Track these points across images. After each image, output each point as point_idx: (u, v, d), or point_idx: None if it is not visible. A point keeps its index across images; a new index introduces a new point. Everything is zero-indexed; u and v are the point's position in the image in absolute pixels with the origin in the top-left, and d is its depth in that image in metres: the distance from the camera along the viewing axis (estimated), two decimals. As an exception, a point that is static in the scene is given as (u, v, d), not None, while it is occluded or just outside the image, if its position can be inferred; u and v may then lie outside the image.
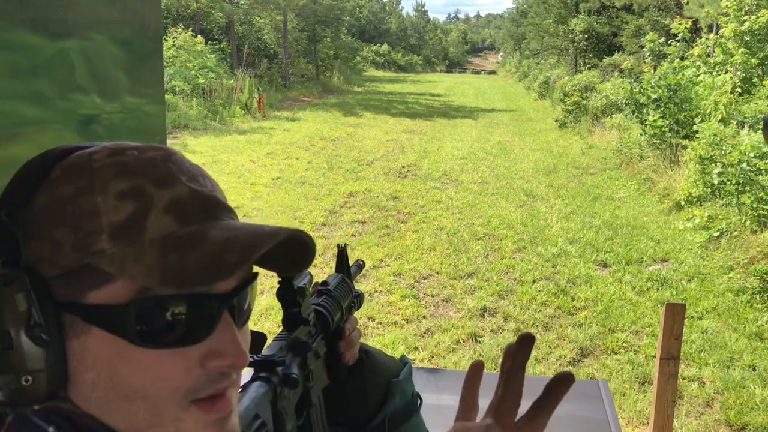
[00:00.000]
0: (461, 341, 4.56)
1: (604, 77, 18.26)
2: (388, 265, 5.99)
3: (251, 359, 0.79)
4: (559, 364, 4.28)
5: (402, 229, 7.14)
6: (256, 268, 0.64)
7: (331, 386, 1.13)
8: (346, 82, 30.31)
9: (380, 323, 4.84)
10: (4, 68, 1.30)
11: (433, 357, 4.35)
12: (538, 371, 4.16)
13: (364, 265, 1.37)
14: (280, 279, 0.92)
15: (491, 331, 4.74)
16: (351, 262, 1.27)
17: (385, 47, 50.88)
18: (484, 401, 0.73)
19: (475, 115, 19.45)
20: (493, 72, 63.21)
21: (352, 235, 6.88)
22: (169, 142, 10.93)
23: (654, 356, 3.48)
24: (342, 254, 1.22)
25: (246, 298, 0.63)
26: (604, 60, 22.25)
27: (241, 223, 0.61)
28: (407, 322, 4.84)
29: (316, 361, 0.97)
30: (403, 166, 10.55)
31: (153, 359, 0.57)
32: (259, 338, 0.84)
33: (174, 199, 0.58)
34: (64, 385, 0.58)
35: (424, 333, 4.69)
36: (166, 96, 14.12)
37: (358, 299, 1.25)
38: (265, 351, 0.85)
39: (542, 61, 33.47)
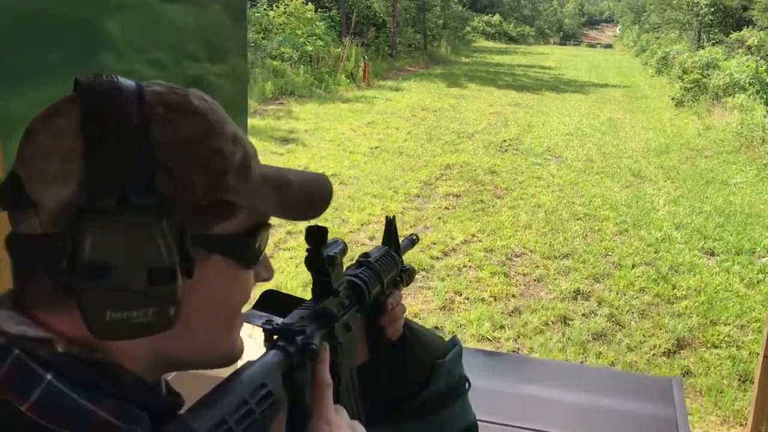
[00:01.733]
0: (550, 323, 4.43)
1: (728, 54, 17.06)
2: (480, 241, 5.89)
3: (269, 327, 0.80)
4: (653, 354, 4.08)
5: (497, 204, 7.00)
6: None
7: (371, 362, 1.10)
8: (454, 52, 29.88)
9: (467, 299, 4.77)
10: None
11: (519, 337, 4.26)
12: (630, 360, 3.98)
13: (417, 239, 1.31)
14: (308, 247, 0.89)
15: (583, 314, 4.57)
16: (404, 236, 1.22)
17: (496, 18, 49.65)
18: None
19: (586, 90, 18.72)
20: (609, 46, 60.55)
21: (446, 208, 6.81)
22: (275, 108, 11.16)
23: (758, 354, 3.24)
24: (390, 226, 1.17)
25: None
26: (731, 35, 20.77)
27: (278, 167, 0.71)
28: (495, 300, 4.75)
29: (346, 333, 0.94)
30: (505, 140, 10.31)
31: (246, 277, 0.67)
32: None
33: (251, 146, 0.68)
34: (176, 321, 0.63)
35: (512, 312, 4.58)
36: (274, 62, 14.40)
37: (406, 274, 1.19)
38: (285, 320, 0.83)
39: (662, 35, 31.69)
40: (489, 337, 4.23)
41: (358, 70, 16.68)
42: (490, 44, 42.83)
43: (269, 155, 8.37)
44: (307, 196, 0.70)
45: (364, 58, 17.41)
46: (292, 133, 9.78)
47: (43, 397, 0.58)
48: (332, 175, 7.71)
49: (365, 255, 1.08)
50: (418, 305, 4.66)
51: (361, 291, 1.01)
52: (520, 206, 6.93)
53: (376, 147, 9.35)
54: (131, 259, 0.57)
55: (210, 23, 2.05)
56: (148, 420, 0.60)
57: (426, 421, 1.15)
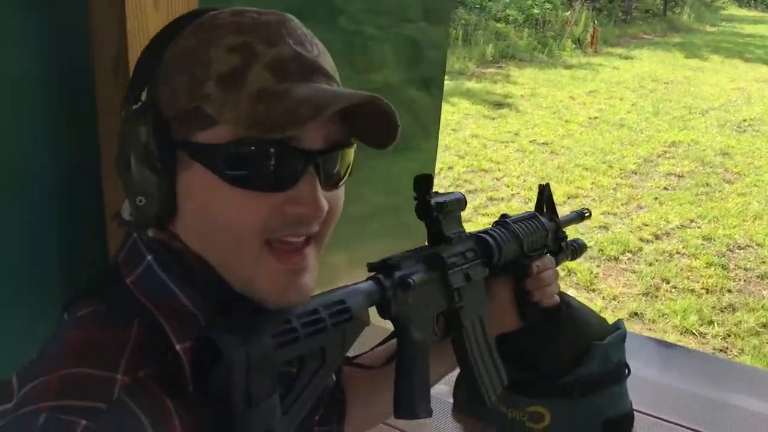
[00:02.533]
0: (769, 326, 3.96)
1: None
2: (699, 227, 5.39)
3: (371, 263, 0.84)
4: None
5: (725, 189, 6.33)
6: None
7: (523, 331, 1.08)
8: (698, 20, 27.23)
9: (675, 288, 4.42)
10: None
11: (729, 336, 3.86)
12: None
13: (589, 215, 1.24)
14: (415, 195, 0.91)
15: (812, 323, 4.02)
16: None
17: (753, -18, 44.37)
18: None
19: None
20: None
21: (664, 188, 6.30)
22: (493, 71, 11.04)
23: None
24: (542, 193, 1.15)
25: (335, 162, 0.69)
26: None
27: (327, 87, 0.65)
28: (707, 293, 4.34)
29: (466, 282, 0.94)
30: (744, 120, 9.25)
31: (240, 197, 0.63)
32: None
33: (276, 58, 0.64)
34: (173, 215, 0.66)
35: (725, 308, 4.16)
36: (498, 24, 14.17)
37: (571, 246, 1.15)
38: (391, 257, 0.86)
39: None
40: (694, 331, 3.89)
41: (585, 36, 15.87)
42: (743, 12, 38.36)
43: (480, 119, 8.32)
44: (288, 111, 0.60)
45: (594, 23, 16.51)
46: (506, 98, 9.61)
47: (142, 275, 0.68)
48: (543, 143, 7.49)
49: (504, 216, 1.06)
50: (619, 288, 4.41)
51: (488, 245, 0.99)
52: (752, 193, 6.21)
53: (595, 117, 8.88)
54: (130, 151, 0.65)
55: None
56: (217, 310, 0.66)
57: (574, 402, 1.10)
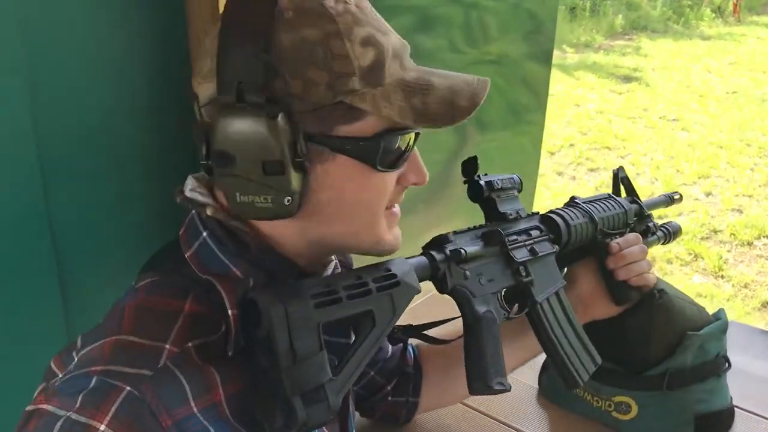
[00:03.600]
0: None
1: None
2: None
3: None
4: None
5: None
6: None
7: (611, 318, 1.06)
8: None
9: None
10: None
11: None
12: None
13: (680, 198, 1.19)
14: (464, 179, 0.93)
15: None
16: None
17: None
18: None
19: None
20: None
21: (808, 169, 5.78)
22: (622, 44, 10.55)
23: None
24: (616, 177, 1.11)
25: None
26: None
27: (441, 71, 0.72)
28: None
29: (532, 257, 0.94)
30: None
31: (379, 179, 0.71)
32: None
33: (395, 47, 0.69)
34: (300, 209, 0.69)
35: None
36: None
37: (654, 225, 1.11)
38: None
39: None
40: (834, 325, 3.56)
41: (727, 3, 14.73)
42: None
43: (606, 93, 7.97)
44: (446, 103, 0.68)
45: (738, -11, 15.28)
46: (636, 71, 9.12)
47: (199, 249, 0.71)
48: (674, 119, 7.07)
49: (574, 197, 1.04)
50: (752, 275, 4.11)
51: (554, 223, 0.99)
52: None
53: (734, 92, 8.25)
54: (247, 151, 0.63)
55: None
56: (264, 280, 0.70)
57: (663, 394, 1.05)
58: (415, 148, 0.75)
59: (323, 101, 0.64)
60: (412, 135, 0.72)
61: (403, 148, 0.72)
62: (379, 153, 0.68)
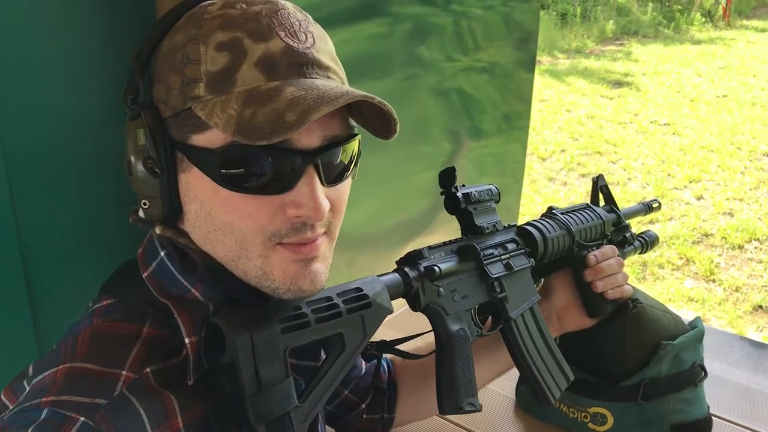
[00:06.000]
0: None
1: None
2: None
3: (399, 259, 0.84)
4: None
5: None
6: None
7: (584, 330, 1.04)
8: None
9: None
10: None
11: None
12: None
13: (658, 206, 1.17)
14: (441, 190, 0.90)
15: None
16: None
17: None
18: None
19: None
20: None
21: (800, 171, 5.79)
22: (613, 49, 10.55)
23: None
24: (595, 185, 1.09)
25: (336, 156, 0.65)
26: None
27: (319, 83, 0.61)
28: None
29: (507, 272, 0.92)
30: None
31: (239, 201, 0.62)
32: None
33: (266, 54, 0.61)
34: (176, 216, 0.67)
35: None
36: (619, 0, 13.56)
37: (631, 236, 1.10)
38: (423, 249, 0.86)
39: None
40: (826, 328, 3.55)
41: (717, 8, 14.81)
42: None
43: (597, 99, 7.98)
44: (274, 115, 0.57)
45: (728, -7, 15.37)
46: (627, 76, 9.15)
47: (156, 270, 0.68)
48: (665, 124, 7.08)
49: (551, 208, 1.02)
50: (743, 278, 4.10)
51: (530, 236, 0.97)
52: None
53: (724, 96, 8.28)
54: (130, 154, 0.64)
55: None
56: (225, 303, 0.67)
57: (639, 405, 1.03)
58: (315, 179, 0.63)
59: (177, 106, 0.62)
60: (299, 158, 0.62)
61: (284, 171, 0.61)
62: (217, 168, 0.61)
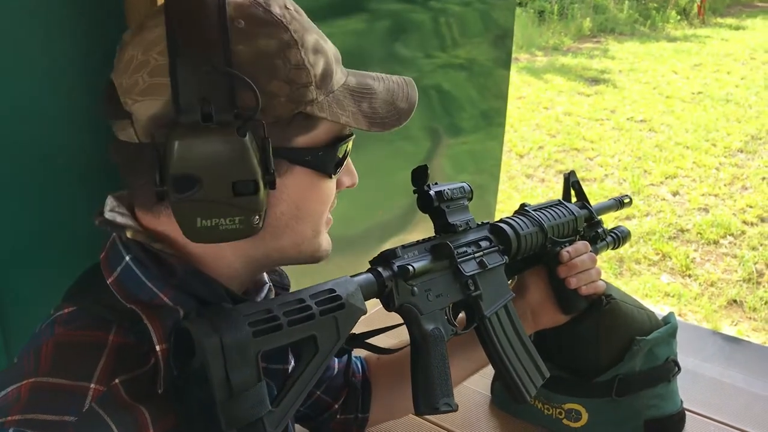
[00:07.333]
0: None
1: None
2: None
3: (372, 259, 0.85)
4: None
5: None
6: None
7: (564, 328, 1.04)
8: (822, -16, 25.12)
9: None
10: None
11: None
12: None
13: (629, 201, 1.18)
14: (414, 189, 0.90)
15: None
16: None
17: None
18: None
19: None
20: None
21: (774, 167, 5.87)
22: (590, 46, 10.63)
23: None
24: (567, 181, 1.10)
25: None
26: None
27: (366, 72, 0.73)
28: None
29: (481, 270, 0.91)
30: None
31: (328, 185, 0.70)
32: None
33: (334, 52, 0.68)
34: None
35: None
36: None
37: (603, 231, 1.11)
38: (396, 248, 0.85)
39: None
40: (799, 321, 3.61)
41: (692, 6, 14.97)
42: None
43: (574, 96, 8.03)
44: (388, 106, 0.69)
45: (702, -9, 15.55)
46: (603, 74, 9.22)
47: (122, 275, 0.65)
48: (641, 120, 7.14)
49: (524, 205, 1.02)
50: (718, 273, 4.15)
51: (503, 233, 0.97)
52: None
53: (699, 92, 8.37)
54: (216, 172, 0.58)
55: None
56: (196, 307, 0.65)
57: (613, 401, 1.04)
58: None
59: (283, 113, 0.62)
60: (351, 140, 0.72)
61: (346, 152, 0.72)
62: (335, 160, 0.69)
